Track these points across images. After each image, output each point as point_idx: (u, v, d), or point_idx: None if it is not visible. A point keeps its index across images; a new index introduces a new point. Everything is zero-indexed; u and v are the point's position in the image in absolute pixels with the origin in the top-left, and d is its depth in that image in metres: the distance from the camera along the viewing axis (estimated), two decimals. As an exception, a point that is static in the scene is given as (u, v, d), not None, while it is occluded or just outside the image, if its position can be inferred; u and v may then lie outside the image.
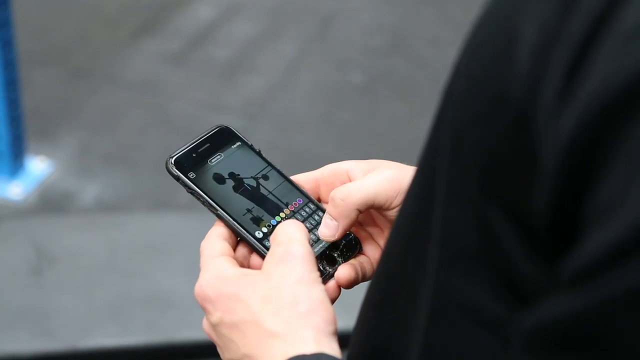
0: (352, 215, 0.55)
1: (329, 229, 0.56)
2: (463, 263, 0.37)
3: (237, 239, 0.57)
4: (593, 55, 0.30)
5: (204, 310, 0.51)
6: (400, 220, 0.45)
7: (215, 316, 0.50)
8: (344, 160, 0.61)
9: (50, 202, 2.15)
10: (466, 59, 0.37)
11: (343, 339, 0.49)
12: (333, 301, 0.54)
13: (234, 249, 0.56)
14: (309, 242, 0.53)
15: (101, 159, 2.33)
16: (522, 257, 0.34)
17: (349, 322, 0.53)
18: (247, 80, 2.75)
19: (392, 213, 0.57)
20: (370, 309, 0.49)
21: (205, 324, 0.52)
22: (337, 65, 2.87)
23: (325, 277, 0.56)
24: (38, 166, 2.24)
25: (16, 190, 2.15)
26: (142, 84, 2.67)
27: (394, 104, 2.70)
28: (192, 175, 0.57)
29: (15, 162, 2.15)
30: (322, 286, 0.50)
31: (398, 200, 0.56)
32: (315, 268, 0.50)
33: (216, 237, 0.55)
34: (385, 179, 0.56)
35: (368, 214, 0.60)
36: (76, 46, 2.82)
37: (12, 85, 2.02)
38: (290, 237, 0.51)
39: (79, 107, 2.53)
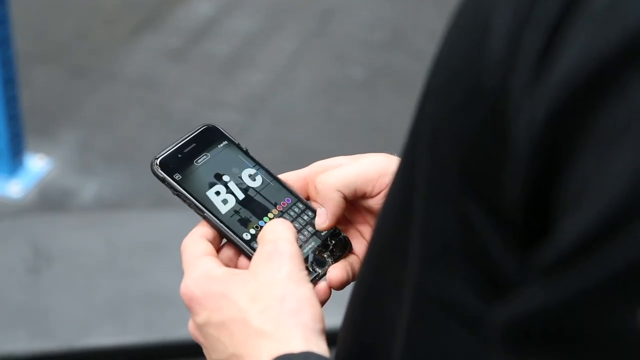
0: (335, 196, 0.55)
1: (320, 217, 0.56)
2: (443, 259, 0.37)
3: (222, 241, 0.56)
4: (563, 38, 0.30)
5: (190, 311, 0.51)
6: (383, 215, 0.45)
7: (202, 316, 0.49)
8: (343, 155, 0.60)
9: (49, 200, 2.15)
10: (444, 51, 0.37)
11: (333, 337, 0.49)
12: (323, 303, 0.54)
13: (218, 251, 0.55)
14: (298, 242, 0.52)
15: (100, 157, 2.32)
16: (501, 251, 0.34)
17: (339, 319, 0.52)
18: (247, 76, 2.74)
19: (377, 201, 0.56)
20: (356, 306, 0.48)
21: (190, 325, 0.52)
22: (337, 60, 2.86)
23: (315, 278, 0.55)
24: (37, 164, 2.24)
25: (15, 188, 2.15)
26: (141, 80, 2.67)
27: (394, 98, 2.69)
28: (177, 176, 0.56)
29: (14, 160, 2.15)
30: (310, 284, 0.49)
31: (380, 183, 0.55)
32: (303, 267, 0.50)
33: (200, 237, 0.54)
34: (368, 162, 0.56)
35: (356, 209, 0.59)
36: (75, 43, 2.81)
37: (10, 83, 2.01)
38: (278, 236, 0.51)
39: (78, 104, 2.52)
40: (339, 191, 0.55)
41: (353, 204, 0.59)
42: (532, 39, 0.31)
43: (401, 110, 2.70)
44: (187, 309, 0.52)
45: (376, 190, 0.56)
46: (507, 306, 0.32)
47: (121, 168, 2.28)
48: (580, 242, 0.28)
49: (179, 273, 0.52)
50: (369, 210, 0.59)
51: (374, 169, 0.55)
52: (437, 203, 0.37)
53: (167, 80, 2.69)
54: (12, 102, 2.05)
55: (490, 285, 0.35)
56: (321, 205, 0.56)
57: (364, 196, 0.56)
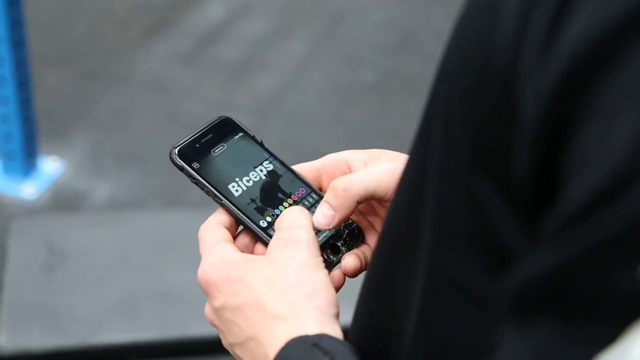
0: (352, 206, 0.56)
1: (325, 218, 0.56)
2: (455, 240, 0.38)
3: (239, 228, 0.57)
4: (569, 14, 0.31)
5: (207, 295, 0.52)
6: (396, 201, 0.46)
7: (219, 300, 0.50)
8: None
9: (62, 202, 2.17)
10: (456, 36, 0.38)
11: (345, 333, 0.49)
12: (337, 290, 0.55)
13: (234, 238, 0.56)
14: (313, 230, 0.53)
15: (113, 158, 2.34)
16: (510, 228, 0.35)
17: (348, 316, 0.53)
18: (258, 78, 2.75)
19: (389, 200, 0.57)
20: (369, 292, 0.49)
21: (207, 309, 0.53)
22: (347, 62, 2.87)
23: (329, 265, 0.56)
24: (50, 166, 2.25)
25: (29, 190, 2.17)
26: (153, 83, 2.69)
27: (404, 101, 2.70)
28: (196, 165, 0.58)
29: (28, 162, 2.17)
30: (325, 271, 0.50)
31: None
32: (318, 253, 0.51)
33: (217, 224, 0.55)
34: (386, 171, 0.56)
35: (369, 203, 0.60)
36: (87, 46, 2.83)
37: (24, 85, 2.03)
38: (294, 223, 0.52)
39: (91, 106, 2.54)
40: (358, 201, 0.56)
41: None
42: (540, 17, 0.32)
43: (411, 113, 2.70)
44: (197, 306, 0.52)
45: (389, 196, 0.56)
46: (515, 273, 0.33)
47: (133, 170, 2.30)
48: (584, 203, 0.29)
49: (190, 271, 0.53)
50: (379, 204, 0.60)
51: (393, 178, 0.56)
52: (448, 184, 0.38)
53: (178, 83, 2.70)
54: (26, 104, 2.06)
55: (500, 264, 0.35)
56: (332, 208, 0.56)
57: (380, 200, 0.57)
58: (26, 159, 2.15)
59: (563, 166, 0.31)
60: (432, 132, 0.39)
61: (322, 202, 0.57)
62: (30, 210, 2.11)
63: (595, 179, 0.29)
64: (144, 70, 2.74)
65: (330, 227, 0.56)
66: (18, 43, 1.96)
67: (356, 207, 0.56)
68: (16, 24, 1.93)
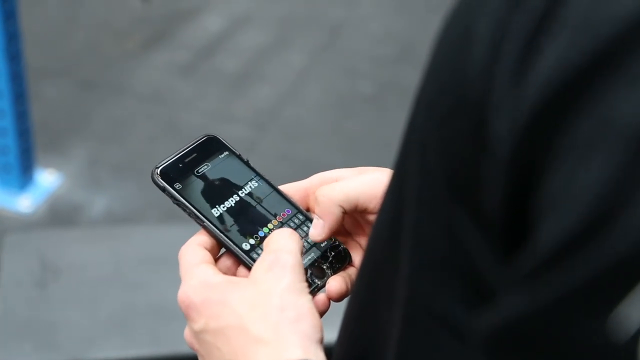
0: (336, 211, 0.55)
1: (316, 228, 0.56)
2: (432, 270, 0.37)
3: (221, 250, 0.56)
4: (539, 48, 0.30)
5: (187, 318, 0.51)
6: (376, 227, 0.45)
7: (200, 323, 0.50)
8: None
9: (59, 215, 2.16)
10: (432, 63, 0.37)
11: (329, 352, 0.48)
12: (322, 314, 0.54)
13: (216, 260, 0.55)
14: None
15: (110, 171, 2.33)
16: (486, 260, 0.34)
17: (334, 334, 0.52)
18: (256, 90, 2.75)
19: None
20: (351, 319, 0.48)
21: (187, 332, 0.52)
22: (346, 74, 2.87)
23: (314, 289, 0.55)
24: (47, 179, 2.25)
25: (25, 203, 2.16)
26: (151, 95, 2.68)
27: (403, 113, 2.68)
28: (178, 186, 0.57)
29: (25, 175, 2.16)
30: (309, 296, 0.50)
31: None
32: (303, 278, 0.50)
33: (198, 245, 0.54)
34: (370, 179, 0.56)
35: (356, 222, 0.59)
36: (85, 58, 2.83)
37: (20, 98, 2.03)
38: (281, 246, 0.51)
39: (88, 118, 2.54)
40: (340, 206, 0.55)
41: (353, 217, 0.59)
42: (511, 49, 0.31)
43: (410, 125, 2.69)
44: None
45: (378, 207, 0.56)
46: (488, 314, 0.32)
47: (131, 182, 2.29)
48: (553, 250, 0.29)
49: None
50: (368, 223, 0.59)
51: (376, 185, 0.55)
52: (425, 214, 0.37)
53: (176, 95, 2.70)
54: (22, 117, 2.06)
55: (478, 295, 0.35)
56: (319, 217, 0.56)
57: (365, 211, 0.56)
58: (23, 172, 2.14)
59: (535, 203, 0.31)
60: (409, 159, 0.38)
61: (314, 217, 0.57)
62: (27, 224, 2.10)
63: (563, 225, 0.28)
64: (142, 82, 2.73)
65: (323, 236, 0.56)
66: (14, 56, 1.95)
67: (342, 213, 0.55)
68: (12, 38, 1.93)
